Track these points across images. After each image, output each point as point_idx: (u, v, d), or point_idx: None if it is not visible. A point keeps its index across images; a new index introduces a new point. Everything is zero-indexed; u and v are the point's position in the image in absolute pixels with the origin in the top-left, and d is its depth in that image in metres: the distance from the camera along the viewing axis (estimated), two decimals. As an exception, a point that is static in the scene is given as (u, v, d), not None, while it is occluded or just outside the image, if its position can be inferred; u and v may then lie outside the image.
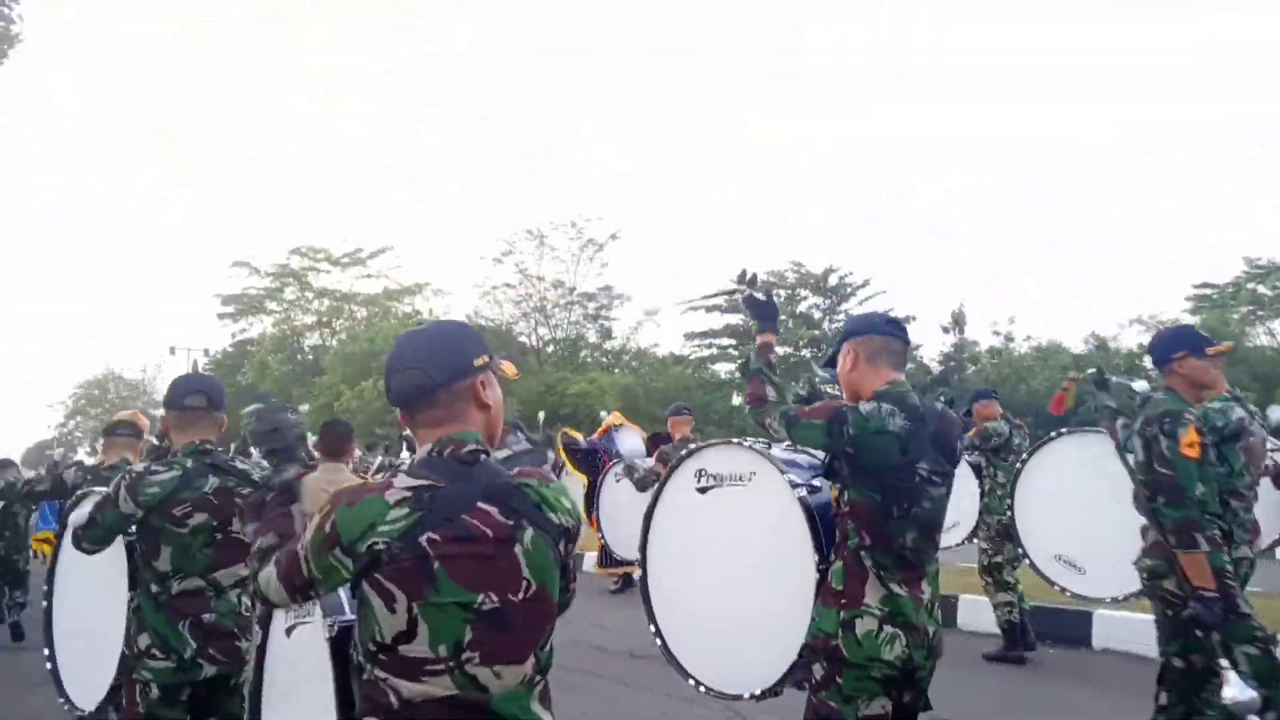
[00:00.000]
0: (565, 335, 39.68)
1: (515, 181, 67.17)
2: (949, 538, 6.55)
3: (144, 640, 3.18)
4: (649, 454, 9.26)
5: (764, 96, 73.45)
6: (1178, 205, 61.36)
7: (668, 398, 31.96)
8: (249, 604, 3.26)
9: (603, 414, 11.61)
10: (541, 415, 11.09)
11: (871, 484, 2.73)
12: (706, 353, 38.14)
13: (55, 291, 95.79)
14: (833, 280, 36.37)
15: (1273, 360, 31.28)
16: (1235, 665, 3.42)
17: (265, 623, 2.57)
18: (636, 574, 3.74)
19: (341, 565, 1.75)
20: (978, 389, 8.14)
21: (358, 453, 9.57)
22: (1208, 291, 35.11)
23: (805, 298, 37.01)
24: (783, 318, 37.98)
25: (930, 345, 35.64)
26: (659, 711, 5.33)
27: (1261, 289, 34.03)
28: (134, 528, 3.30)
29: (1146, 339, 32.92)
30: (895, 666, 2.67)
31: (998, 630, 7.00)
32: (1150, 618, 4.00)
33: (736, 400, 36.07)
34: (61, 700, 3.83)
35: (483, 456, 1.85)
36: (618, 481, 8.81)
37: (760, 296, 3.28)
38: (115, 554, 3.45)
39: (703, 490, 3.40)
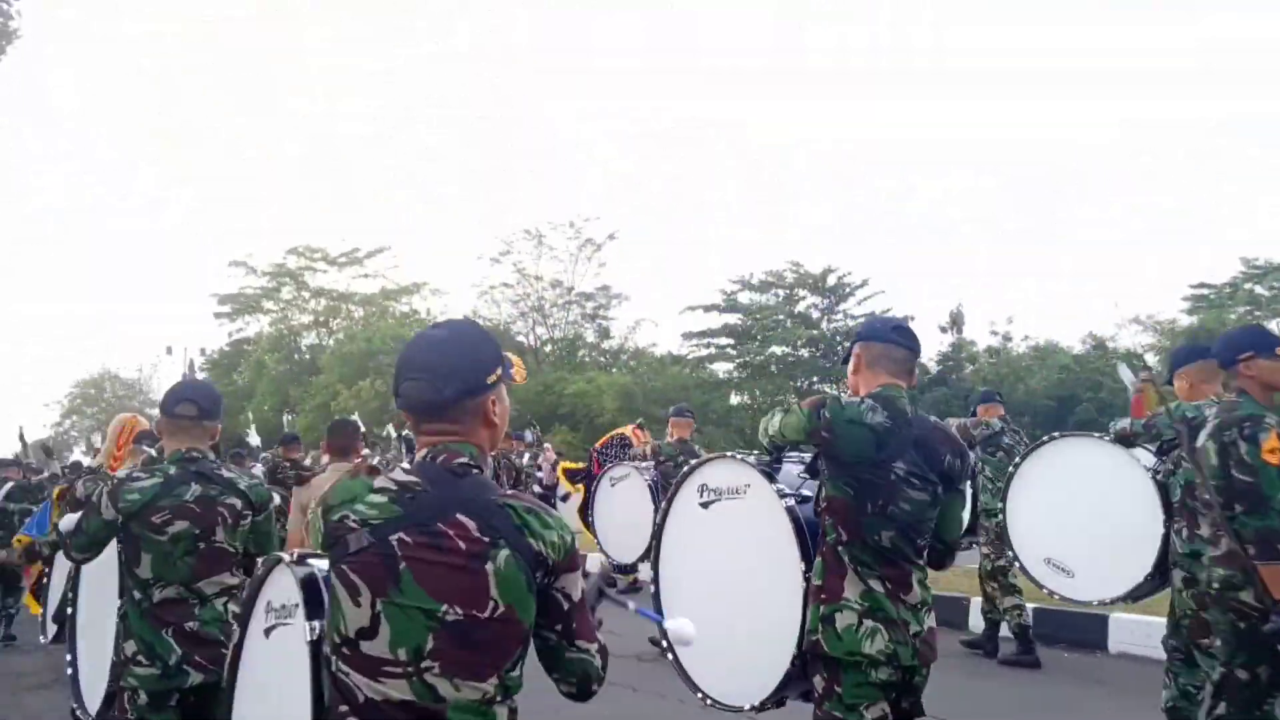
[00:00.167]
0: (563, 335, 39.69)
1: (515, 181, 67.12)
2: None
3: (130, 647, 3.16)
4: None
5: (764, 96, 73.39)
6: (1178, 205, 61.43)
7: (666, 397, 31.97)
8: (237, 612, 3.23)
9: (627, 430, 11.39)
10: None
11: (846, 478, 2.77)
12: (704, 352, 38.11)
13: (54, 291, 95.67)
14: (831, 280, 36.34)
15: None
16: None
17: (244, 622, 2.54)
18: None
19: (318, 525, 1.82)
20: (983, 391, 8.25)
21: (365, 451, 9.57)
22: (1205, 292, 35.14)
23: (804, 298, 36.99)
24: (780, 317, 38.03)
25: (928, 345, 35.57)
26: (668, 717, 5.31)
27: (1259, 289, 34.06)
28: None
29: (1145, 339, 32.99)
30: (882, 662, 2.67)
31: (1010, 634, 6.93)
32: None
33: (734, 400, 36.14)
34: (75, 705, 3.84)
35: (474, 471, 1.84)
36: (612, 486, 8.82)
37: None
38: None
39: (705, 505, 3.50)
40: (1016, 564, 5.58)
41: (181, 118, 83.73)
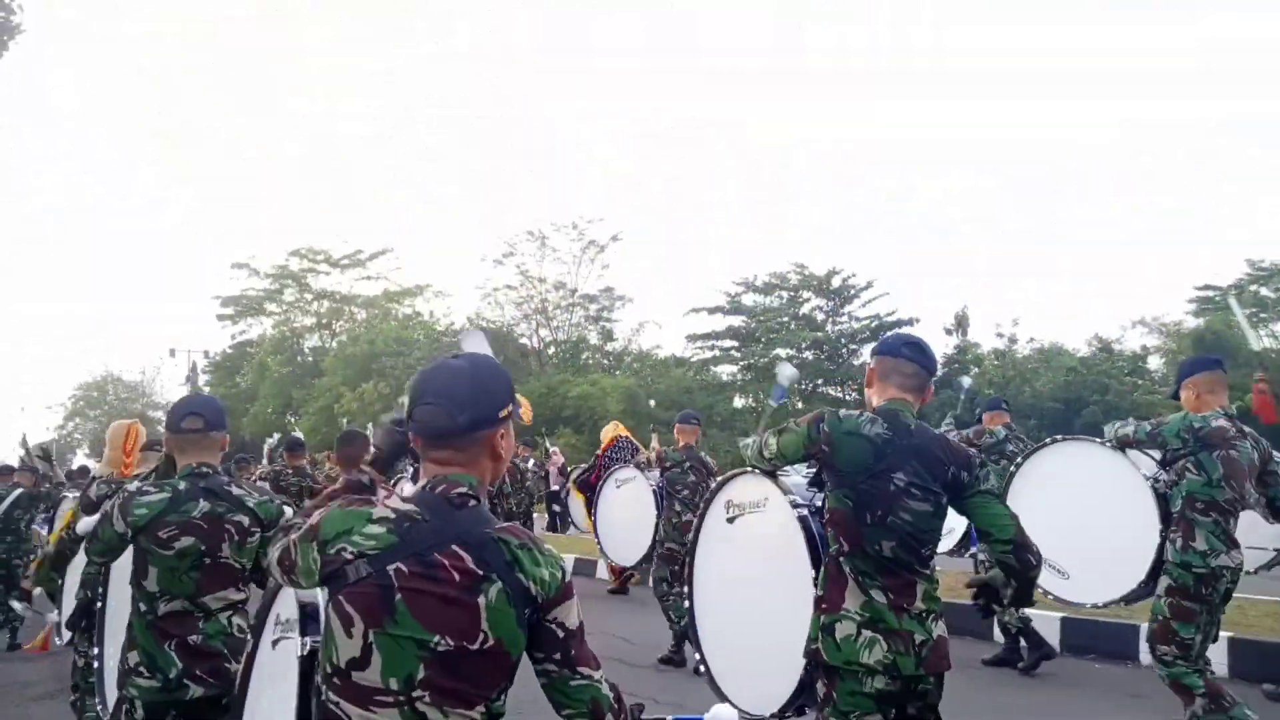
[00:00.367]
0: (567, 337, 39.66)
1: (515, 182, 67.29)
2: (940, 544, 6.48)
3: (134, 658, 3.17)
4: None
5: (764, 96, 73.48)
6: (1178, 205, 61.46)
7: (670, 400, 31.96)
8: (241, 626, 3.23)
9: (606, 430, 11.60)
10: None
11: (846, 489, 2.81)
12: (709, 355, 38.06)
13: (55, 291, 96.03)
14: (836, 282, 36.25)
15: (1277, 362, 31.20)
16: None
17: (257, 632, 2.60)
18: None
19: (312, 559, 1.81)
20: (992, 398, 8.28)
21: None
22: (1210, 293, 35.03)
23: (808, 300, 36.90)
24: (785, 319, 37.94)
25: (933, 347, 35.51)
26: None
27: (1265, 291, 33.95)
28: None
29: (1151, 341, 32.90)
30: (879, 671, 2.69)
31: (1035, 642, 6.86)
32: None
33: (738, 403, 36.08)
34: (98, 702, 3.88)
35: (472, 502, 1.86)
36: (618, 488, 8.76)
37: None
38: None
39: (730, 520, 3.66)
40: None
41: (181, 118, 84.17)
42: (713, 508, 3.80)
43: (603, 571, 10.43)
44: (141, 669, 3.14)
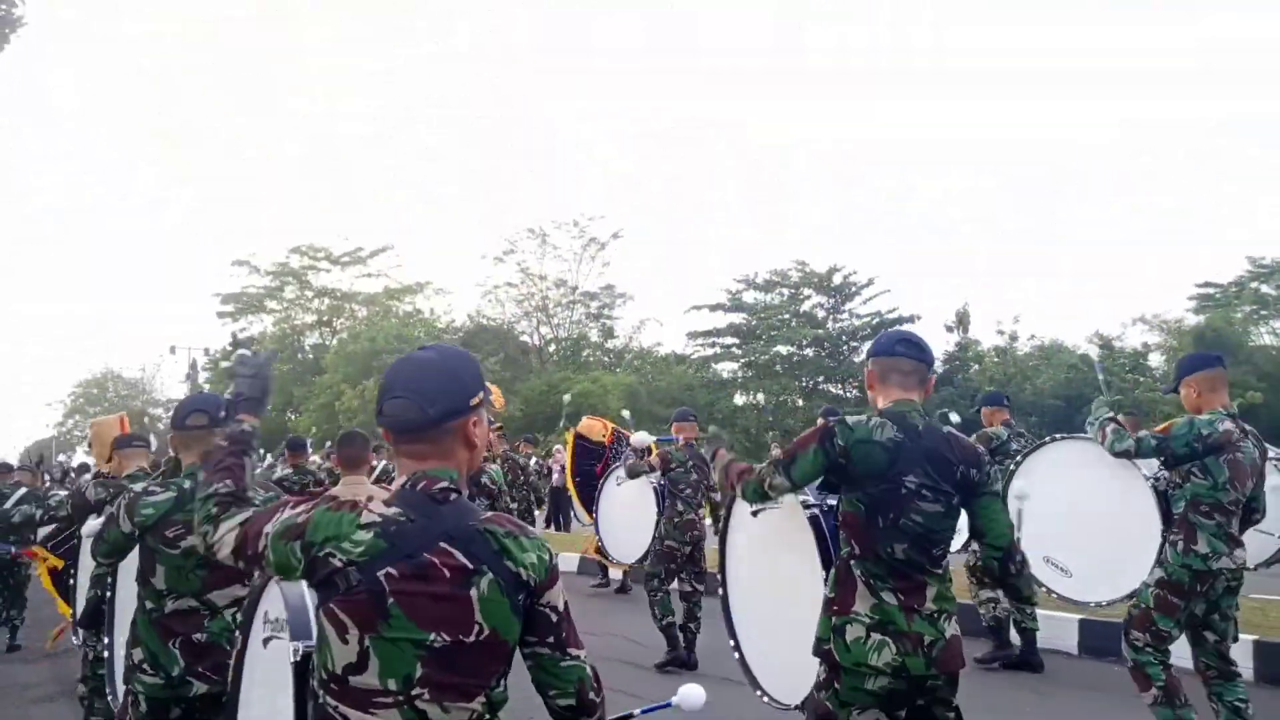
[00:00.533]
0: (567, 335, 39.64)
1: (515, 181, 67.35)
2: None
3: (138, 654, 3.21)
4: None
5: (764, 96, 73.53)
6: (1178, 205, 61.49)
7: (671, 397, 31.90)
8: None
9: (625, 413, 11.61)
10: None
11: (859, 494, 2.81)
12: (709, 352, 38.04)
13: (55, 291, 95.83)
14: (837, 279, 36.24)
15: (1277, 359, 31.19)
16: None
17: (245, 631, 2.60)
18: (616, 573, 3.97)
19: (294, 557, 1.81)
20: (989, 393, 7.90)
21: (381, 463, 9.45)
22: (1211, 291, 35.03)
23: (809, 297, 36.87)
24: (785, 316, 37.86)
25: (933, 346, 35.46)
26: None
27: (1265, 288, 33.97)
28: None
29: (1152, 338, 32.88)
30: (887, 673, 2.71)
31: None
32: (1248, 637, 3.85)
33: (739, 399, 36.06)
34: (109, 694, 3.94)
35: (454, 496, 1.86)
36: (619, 485, 8.73)
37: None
38: None
39: (754, 514, 3.67)
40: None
41: (181, 118, 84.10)
42: (738, 502, 3.87)
43: (615, 572, 10.41)
44: (145, 665, 3.19)
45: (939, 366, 33.69)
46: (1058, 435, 5.51)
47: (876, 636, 2.73)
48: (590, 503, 9.80)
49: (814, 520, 3.35)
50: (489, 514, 1.89)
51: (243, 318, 43.60)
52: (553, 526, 16.41)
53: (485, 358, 33.35)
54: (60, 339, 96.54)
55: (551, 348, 39.42)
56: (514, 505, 10.18)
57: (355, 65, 79.98)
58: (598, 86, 74.24)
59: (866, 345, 33.76)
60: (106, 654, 4.04)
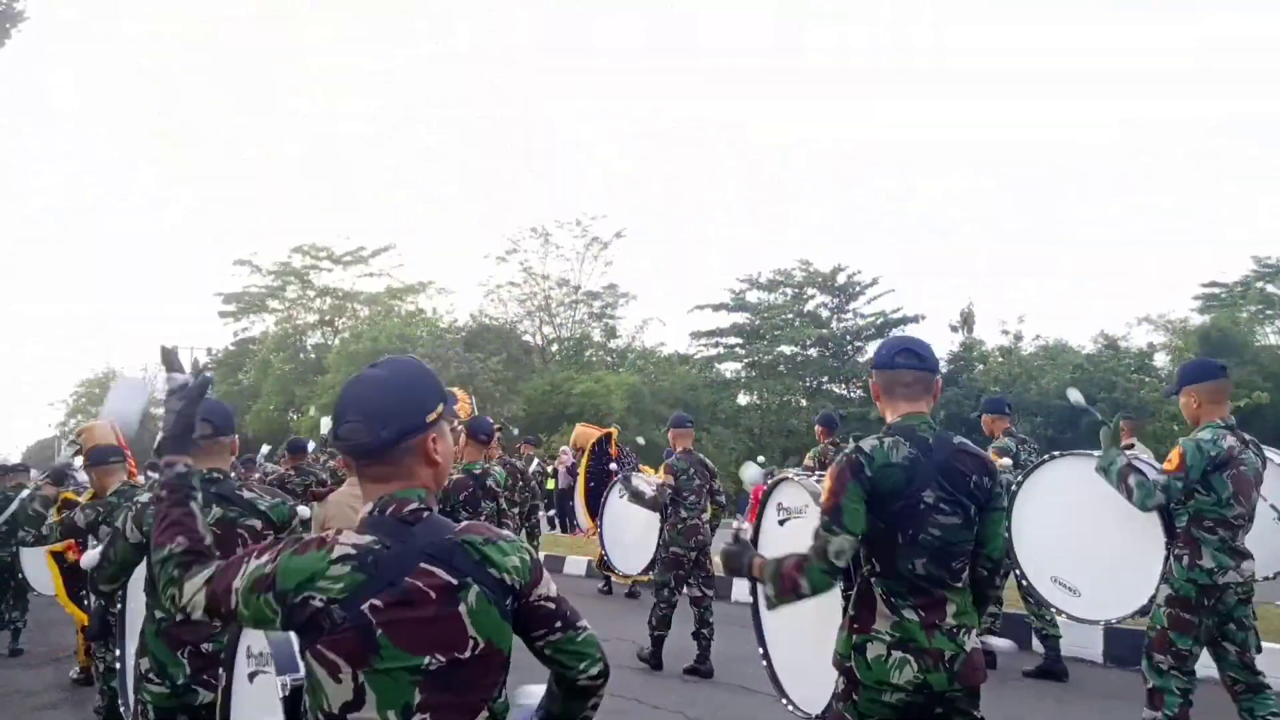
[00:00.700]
0: (570, 334, 39.55)
1: (516, 181, 67.27)
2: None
3: (145, 664, 3.22)
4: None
5: (764, 96, 73.43)
6: (1178, 205, 61.40)
7: (674, 397, 31.82)
8: None
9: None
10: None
11: (878, 512, 2.81)
12: (713, 352, 37.92)
13: (55, 291, 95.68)
14: (841, 279, 36.12)
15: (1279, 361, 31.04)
16: None
17: (229, 666, 2.56)
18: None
19: (269, 609, 1.73)
20: (990, 400, 7.65)
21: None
22: (1216, 290, 34.89)
23: (813, 296, 36.75)
24: (789, 316, 37.74)
25: (938, 345, 35.38)
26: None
27: (1271, 288, 33.84)
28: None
29: (1157, 338, 32.72)
30: (907, 690, 2.73)
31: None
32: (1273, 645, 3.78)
33: (743, 399, 35.94)
34: (122, 703, 3.94)
35: (425, 514, 1.82)
36: (621, 497, 8.66)
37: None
38: None
39: (781, 523, 3.83)
40: (1022, 582, 5.43)
41: (181, 118, 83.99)
42: (767, 510, 4.06)
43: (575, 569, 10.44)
44: (152, 674, 3.21)
45: (944, 367, 33.59)
46: (1058, 453, 5.44)
47: (898, 654, 2.75)
48: (596, 509, 9.77)
49: None
50: (462, 524, 1.85)
51: (245, 317, 43.53)
52: (558, 529, 16.33)
53: (488, 357, 33.29)
54: (61, 339, 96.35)
55: (554, 347, 39.33)
56: (515, 509, 10.13)
57: (355, 65, 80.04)
58: (598, 86, 74.29)
59: (871, 345, 33.72)
60: (119, 664, 4.07)
